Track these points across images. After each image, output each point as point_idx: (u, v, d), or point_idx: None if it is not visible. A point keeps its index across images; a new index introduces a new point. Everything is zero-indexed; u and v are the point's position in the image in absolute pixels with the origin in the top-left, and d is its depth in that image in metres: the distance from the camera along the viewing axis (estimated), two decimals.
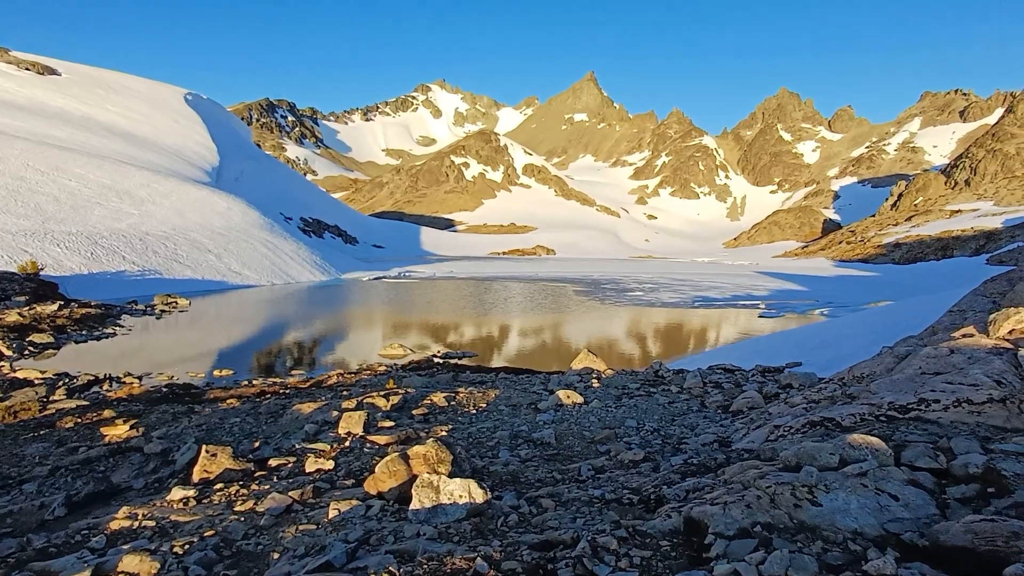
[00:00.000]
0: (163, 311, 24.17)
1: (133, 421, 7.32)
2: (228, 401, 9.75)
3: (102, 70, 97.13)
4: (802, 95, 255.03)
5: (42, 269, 26.88)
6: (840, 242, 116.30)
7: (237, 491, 3.44)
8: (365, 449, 4.44)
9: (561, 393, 6.01)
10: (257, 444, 4.72)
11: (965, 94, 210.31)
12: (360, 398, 6.35)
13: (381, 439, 4.57)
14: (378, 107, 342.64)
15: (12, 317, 17.06)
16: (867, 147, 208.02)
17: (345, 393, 7.65)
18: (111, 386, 11.60)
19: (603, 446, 4.58)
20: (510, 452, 4.38)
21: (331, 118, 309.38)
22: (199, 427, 6.06)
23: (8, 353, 13.91)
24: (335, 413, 5.81)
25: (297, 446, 4.58)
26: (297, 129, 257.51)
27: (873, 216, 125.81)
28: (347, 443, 4.62)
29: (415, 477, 3.21)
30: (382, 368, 12.89)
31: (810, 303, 34.48)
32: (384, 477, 3.20)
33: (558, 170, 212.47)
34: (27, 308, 19.42)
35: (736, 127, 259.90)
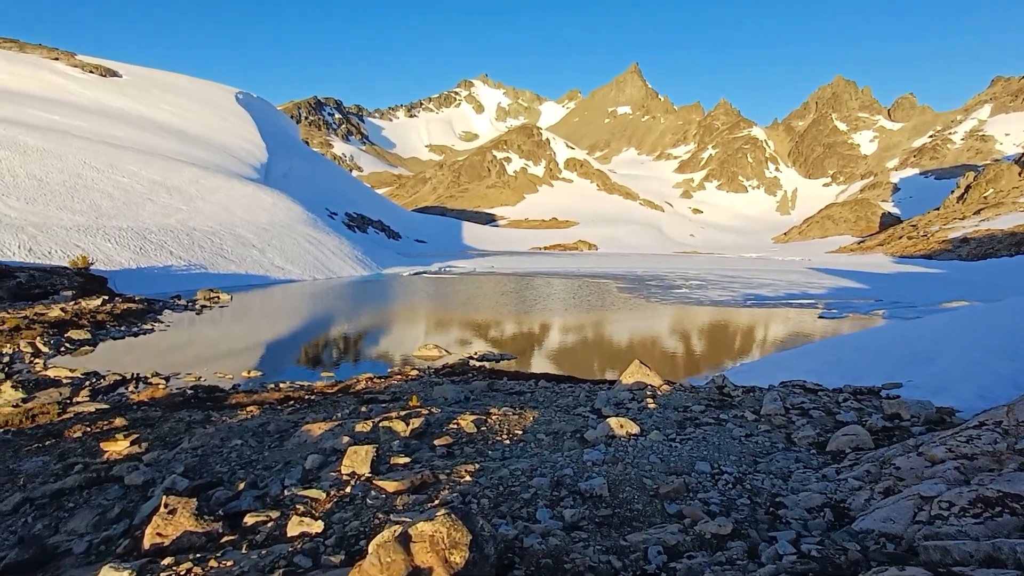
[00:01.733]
0: (204, 306, 24.24)
1: (135, 436, 6.69)
2: (248, 409, 9.13)
3: (159, 71, 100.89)
4: (859, 83, 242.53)
5: (92, 264, 27.49)
6: (900, 237, 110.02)
7: (188, 572, 2.60)
8: (368, 500, 3.53)
9: (613, 422, 4.96)
10: (241, 486, 3.89)
11: None
12: (377, 419, 5.47)
13: (390, 485, 3.65)
14: (422, 103, 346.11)
15: (55, 312, 17.18)
16: (930, 136, 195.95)
17: (364, 410, 6.81)
18: (136, 387, 11.22)
19: (672, 504, 3.53)
20: (551, 511, 3.39)
21: (376, 115, 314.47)
22: (195, 451, 5.31)
23: (45, 350, 13.83)
24: (345, 439, 4.94)
25: (287, 492, 3.71)
26: (344, 126, 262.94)
27: (937, 209, 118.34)
28: (348, 489, 3.72)
29: (417, 572, 2.26)
30: (414, 373, 12.09)
31: (873, 302, 32.04)
32: (375, 571, 2.26)
33: (601, 164, 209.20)
34: (72, 303, 19.65)
35: (787, 117, 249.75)
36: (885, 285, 43.82)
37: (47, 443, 7.25)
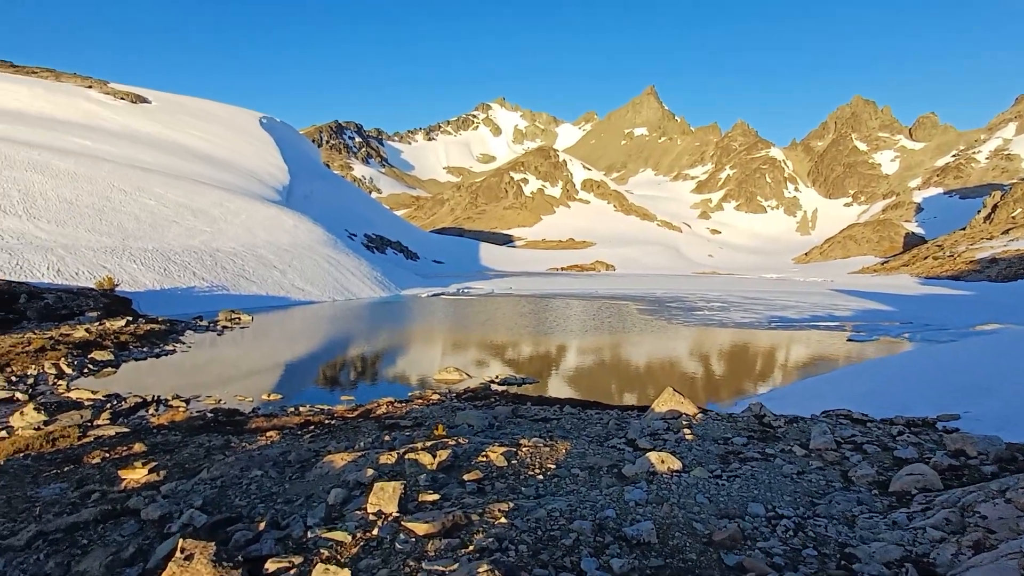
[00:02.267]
0: (225, 327, 24.36)
1: (153, 463, 6.52)
2: (268, 434, 8.94)
3: (186, 97, 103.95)
4: (879, 102, 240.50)
5: (118, 285, 27.90)
6: (925, 257, 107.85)
7: None
8: (398, 544, 3.27)
9: (653, 457, 4.64)
10: (262, 525, 3.65)
11: None
12: (402, 450, 5.21)
13: (420, 527, 3.38)
14: (440, 126, 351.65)
15: (80, 333, 17.32)
16: (954, 156, 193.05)
17: (387, 439, 6.57)
18: (157, 410, 11.13)
19: (730, 555, 3.21)
20: (597, 560, 3.09)
21: (395, 138, 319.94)
22: (214, 481, 5.10)
23: (68, 371, 13.87)
24: (370, 472, 4.69)
25: (310, 534, 3.47)
26: (363, 149, 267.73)
27: (963, 229, 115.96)
28: (375, 531, 3.46)
29: None
30: (436, 397, 11.83)
31: (903, 325, 31.14)
32: None
33: (617, 185, 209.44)
34: (97, 324, 19.84)
35: (806, 138, 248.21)
36: (913, 307, 42.73)
37: (66, 469, 7.12)
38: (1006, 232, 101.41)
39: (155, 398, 11.81)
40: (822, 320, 33.40)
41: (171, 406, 11.45)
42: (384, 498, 3.80)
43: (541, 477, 4.64)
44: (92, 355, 15.39)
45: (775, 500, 4.08)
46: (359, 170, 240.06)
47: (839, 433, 5.59)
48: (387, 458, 5.10)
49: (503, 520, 3.56)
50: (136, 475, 6.18)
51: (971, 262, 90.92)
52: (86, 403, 11.28)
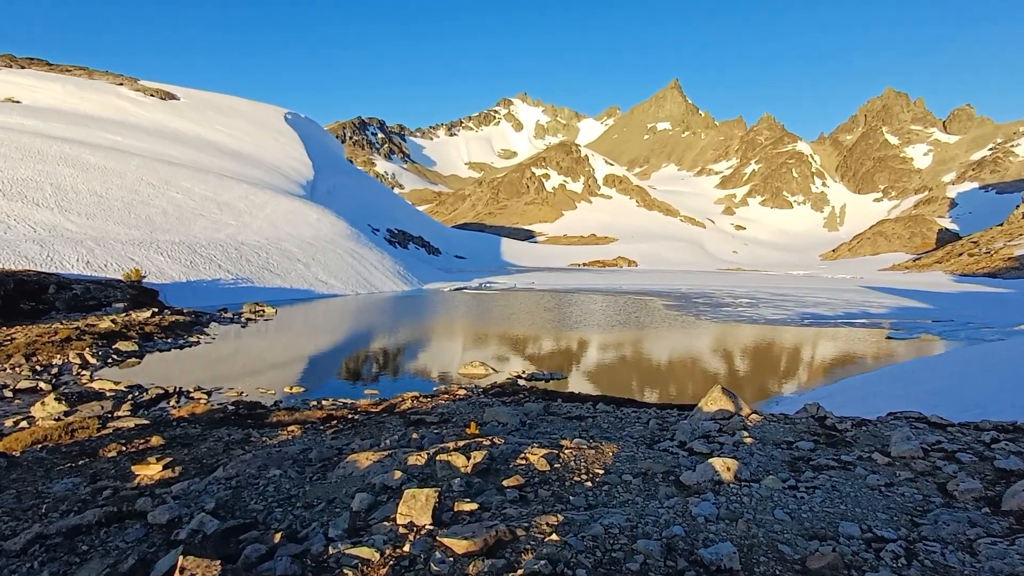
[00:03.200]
0: (249, 319, 24.30)
1: (168, 459, 6.16)
2: (289, 428, 8.58)
3: (214, 94, 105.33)
4: (911, 95, 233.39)
5: (145, 277, 28.11)
6: (960, 254, 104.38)
7: None
8: (433, 565, 2.79)
9: (717, 464, 4.08)
10: (278, 537, 3.21)
11: None
12: (432, 451, 4.74)
13: (458, 545, 2.90)
14: (462, 122, 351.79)
15: (105, 324, 17.30)
16: (991, 149, 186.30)
17: (415, 437, 6.10)
18: (178, 402, 10.88)
19: None
20: None
21: (417, 134, 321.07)
22: (229, 481, 4.69)
23: (93, 361, 13.77)
24: (398, 475, 4.22)
25: (332, 550, 3.00)
26: (386, 145, 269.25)
27: (1000, 225, 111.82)
28: (406, 547, 2.99)
29: None
30: (462, 392, 11.38)
31: (943, 323, 29.82)
32: None
33: (640, 180, 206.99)
34: (123, 315, 19.88)
35: (834, 131, 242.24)
36: (950, 304, 41.14)
37: (80, 463, 6.82)
38: None
39: (176, 390, 11.58)
40: (856, 317, 32.22)
41: (192, 398, 11.20)
42: (416, 507, 3.32)
43: (590, 484, 4.11)
44: (117, 345, 15.31)
45: (868, 518, 3.50)
46: (381, 166, 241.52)
47: (922, 439, 4.97)
48: (416, 459, 4.63)
49: (554, 537, 3.05)
50: (150, 471, 5.83)
51: (1009, 259, 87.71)
52: (108, 394, 11.10)
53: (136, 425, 8.81)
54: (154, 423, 9.09)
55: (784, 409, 9.69)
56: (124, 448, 7.31)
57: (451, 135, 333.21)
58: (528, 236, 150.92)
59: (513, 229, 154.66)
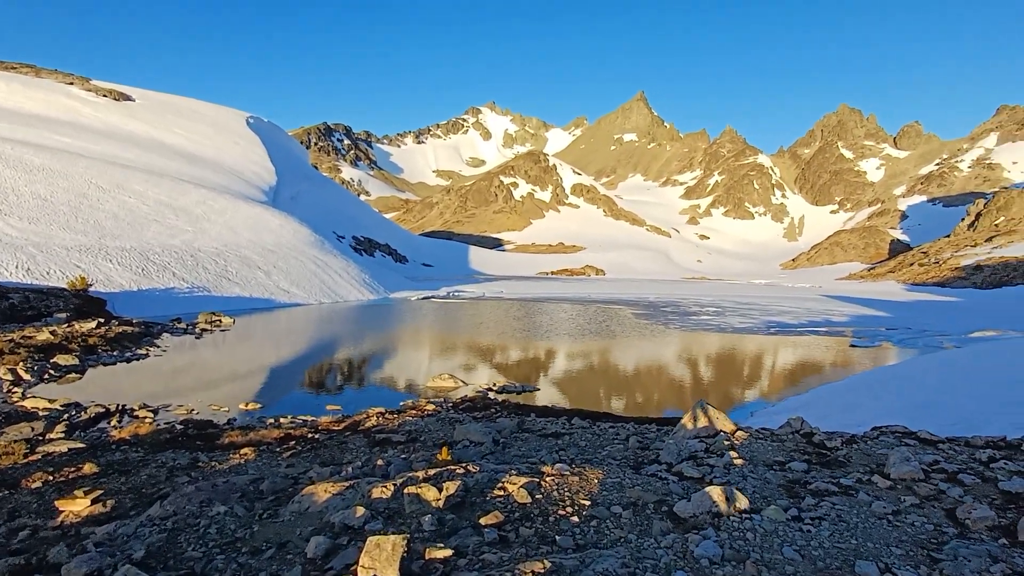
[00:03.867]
0: (205, 330, 23.13)
1: (98, 493, 5.47)
2: (242, 451, 7.90)
3: (171, 96, 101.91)
4: (864, 111, 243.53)
5: (91, 285, 26.52)
6: (911, 264, 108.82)
7: None
8: None
9: (714, 494, 3.72)
10: None
11: None
12: (399, 481, 4.25)
13: None
14: (430, 129, 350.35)
15: (43, 336, 16.08)
16: (937, 164, 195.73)
17: (380, 464, 5.58)
18: (120, 421, 10.01)
19: None
20: None
21: (385, 141, 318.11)
22: (165, 521, 4.09)
23: (26, 377, 12.67)
24: (360, 512, 3.72)
25: None
26: (352, 152, 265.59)
27: (948, 236, 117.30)
28: None
29: None
30: (430, 407, 10.84)
31: (901, 331, 30.72)
32: None
33: (607, 190, 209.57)
34: (65, 326, 18.58)
35: (793, 145, 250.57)
36: (906, 313, 42.57)
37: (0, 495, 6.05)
38: (989, 239, 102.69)
39: (119, 408, 10.68)
40: (819, 325, 32.91)
41: (136, 417, 10.34)
42: (381, 559, 2.83)
43: (576, 519, 3.69)
44: (55, 359, 14.18)
45: (883, 554, 3.18)
46: (348, 172, 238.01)
47: (920, 458, 4.74)
48: (381, 491, 4.13)
49: None
50: (76, 507, 5.14)
51: (956, 269, 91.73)
52: (40, 413, 10.14)
53: (69, 450, 7.98)
54: (91, 447, 8.26)
55: (763, 421, 9.51)
56: (52, 477, 6.54)
57: (419, 143, 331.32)
58: (496, 244, 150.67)
59: (481, 237, 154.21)
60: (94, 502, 5.22)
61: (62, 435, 9.02)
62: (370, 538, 2.96)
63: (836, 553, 3.19)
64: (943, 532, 3.48)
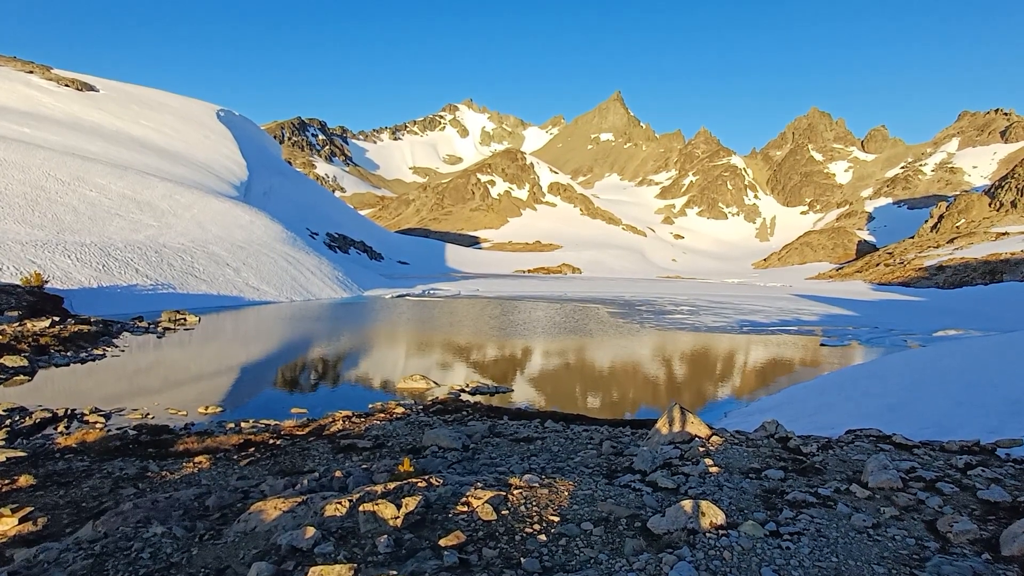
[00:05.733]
0: (168, 329, 22.31)
1: (29, 510, 5.03)
2: (196, 459, 7.47)
3: (138, 87, 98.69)
4: (834, 115, 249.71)
5: (47, 282, 25.41)
6: (878, 264, 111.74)
7: None
8: None
9: (688, 506, 3.51)
10: None
11: (1007, 114, 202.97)
12: (356, 496, 3.94)
13: None
14: (406, 126, 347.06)
15: None
16: (902, 167, 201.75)
17: (339, 475, 5.25)
18: (67, 427, 9.44)
19: None
20: None
21: (360, 137, 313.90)
22: (93, 546, 3.71)
23: None
24: (311, 532, 3.42)
25: None
26: (327, 147, 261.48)
27: (912, 238, 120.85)
28: None
29: None
30: (400, 410, 10.49)
31: (869, 330, 31.38)
32: None
33: (584, 189, 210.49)
34: (16, 324, 17.66)
35: (765, 147, 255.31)
36: (872, 312, 43.59)
37: None
38: (951, 241, 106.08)
39: (68, 412, 10.09)
40: (791, 324, 33.40)
41: (86, 422, 9.77)
42: None
43: (544, 538, 3.45)
44: (2, 360, 13.40)
45: (865, 572, 3.01)
46: (322, 168, 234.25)
47: (896, 465, 4.63)
48: (336, 508, 3.82)
49: None
50: (2, 526, 4.70)
51: (920, 269, 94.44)
52: None
53: (7, 459, 7.44)
54: (32, 455, 7.72)
55: (737, 422, 9.44)
56: None
57: (395, 139, 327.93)
58: (473, 242, 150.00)
59: (458, 235, 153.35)
60: (23, 520, 4.79)
61: (2, 443, 8.45)
62: (312, 569, 2.67)
63: (817, 573, 3.01)
64: (925, 547, 3.33)
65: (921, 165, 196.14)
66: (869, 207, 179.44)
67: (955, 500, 3.99)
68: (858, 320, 37.47)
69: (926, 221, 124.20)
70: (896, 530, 3.52)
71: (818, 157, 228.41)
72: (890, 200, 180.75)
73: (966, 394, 7.74)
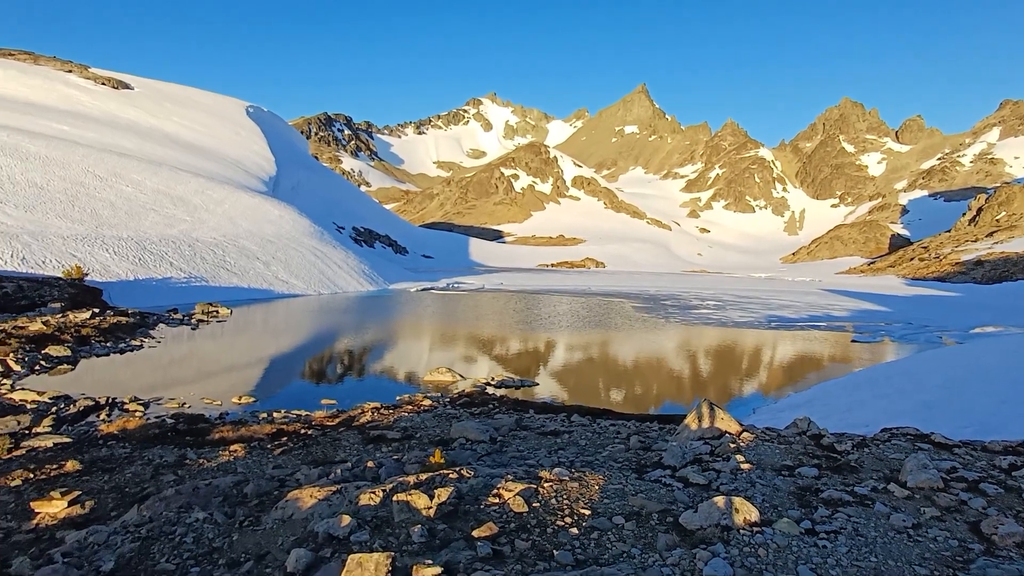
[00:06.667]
0: (201, 321, 22.91)
1: (77, 494, 5.25)
2: (232, 448, 7.68)
3: (171, 84, 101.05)
4: (867, 105, 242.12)
5: (87, 275, 26.29)
6: (912, 259, 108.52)
7: None
8: None
9: (722, 503, 3.49)
10: None
11: None
12: (389, 486, 4.02)
13: None
14: (430, 120, 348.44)
15: (36, 326, 15.84)
16: (939, 159, 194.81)
17: (371, 465, 5.35)
18: (109, 415, 9.79)
19: None
20: None
21: (385, 131, 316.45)
22: (139, 529, 3.87)
23: (16, 368, 12.45)
24: (346, 520, 3.49)
25: None
26: (353, 142, 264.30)
27: (948, 231, 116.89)
28: None
29: None
30: (427, 402, 10.62)
31: (902, 326, 30.51)
32: None
33: (608, 182, 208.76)
34: (59, 316, 18.34)
35: (795, 139, 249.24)
36: (907, 308, 42.37)
37: None
38: (990, 235, 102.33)
39: (109, 401, 10.46)
40: (820, 320, 32.71)
41: (126, 410, 10.12)
42: None
43: (576, 531, 3.47)
44: (47, 350, 13.95)
45: (906, 573, 2.96)
46: (348, 163, 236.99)
47: (936, 464, 4.52)
48: (370, 498, 3.90)
49: None
50: (52, 508, 4.92)
51: (956, 264, 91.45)
52: (28, 406, 9.92)
53: (54, 444, 7.76)
54: (77, 442, 8.03)
55: (766, 419, 9.30)
56: (32, 475, 6.32)
57: (420, 133, 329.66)
58: (497, 236, 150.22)
59: (482, 229, 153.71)
60: (72, 503, 5.00)
61: (49, 429, 8.81)
62: (351, 556, 2.74)
63: (855, 573, 2.97)
64: (968, 548, 3.25)
65: (959, 156, 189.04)
66: (903, 200, 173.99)
67: (1000, 502, 3.88)
68: (891, 316, 36.47)
69: (964, 214, 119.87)
70: (938, 531, 3.44)
71: (850, 148, 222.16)
72: (925, 192, 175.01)
73: (1010, 392, 7.48)
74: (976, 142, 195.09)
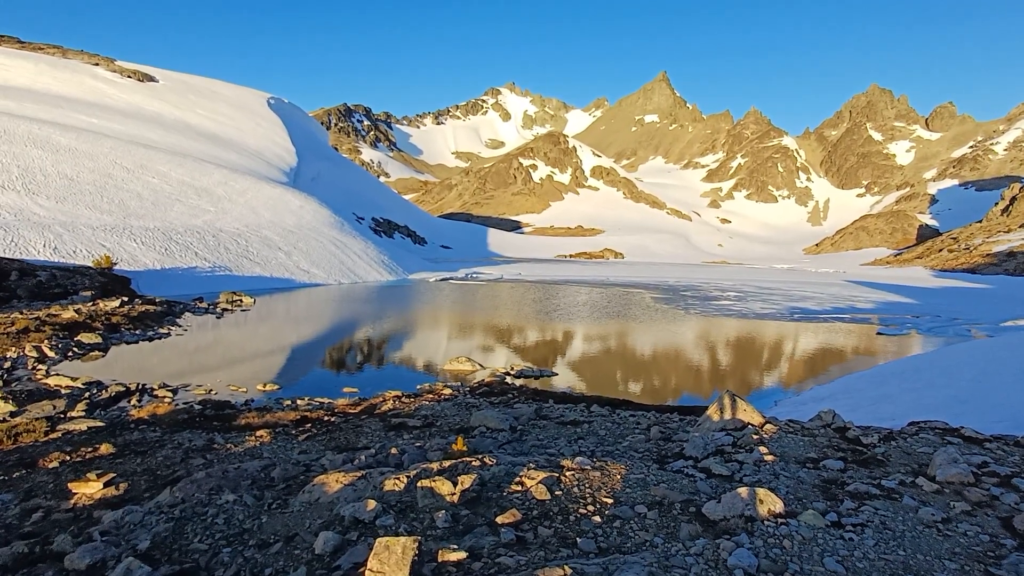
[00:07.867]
0: (226, 309, 23.36)
1: (111, 476, 5.42)
2: (258, 433, 7.86)
3: (194, 76, 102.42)
4: (896, 91, 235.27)
5: (116, 264, 26.95)
6: (940, 250, 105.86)
7: None
8: None
9: (746, 494, 3.47)
10: None
11: None
12: (413, 473, 4.08)
13: None
14: (449, 111, 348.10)
15: (68, 314, 16.31)
16: (971, 147, 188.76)
17: (394, 452, 5.43)
18: (139, 401, 10.07)
19: None
20: None
21: (404, 122, 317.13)
22: (172, 510, 3.99)
23: (51, 355, 12.85)
24: (372, 505, 3.56)
25: None
26: (372, 133, 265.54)
27: (979, 222, 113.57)
28: None
29: None
30: (447, 391, 10.71)
31: (930, 319, 29.79)
32: None
33: (627, 172, 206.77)
34: (89, 304, 18.85)
35: (820, 127, 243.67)
36: (935, 300, 41.32)
37: (16, 475, 6.05)
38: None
39: (139, 387, 10.76)
40: (844, 312, 32.10)
41: (156, 396, 10.40)
42: (390, 562, 2.66)
43: (598, 519, 3.48)
44: (79, 337, 14.37)
45: (935, 568, 2.92)
46: (367, 154, 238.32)
47: (967, 459, 4.43)
48: (394, 483, 3.97)
49: None
50: (89, 489, 5.10)
51: (988, 255, 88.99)
52: (63, 391, 10.25)
53: (88, 428, 8.01)
54: (109, 426, 8.29)
55: (788, 411, 9.19)
56: (68, 457, 6.55)
57: (438, 124, 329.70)
58: (515, 227, 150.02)
59: (500, 219, 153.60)
60: (107, 484, 5.17)
61: (83, 413, 9.11)
62: (379, 539, 2.79)
63: (883, 566, 2.94)
64: (1000, 544, 3.19)
65: (992, 144, 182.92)
66: (932, 189, 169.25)
67: None
68: (918, 308, 35.63)
69: (996, 204, 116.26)
70: (968, 526, 3.39)
71: (877, 136, 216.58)
72: (956, 181, 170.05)
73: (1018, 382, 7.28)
74: (1011, 129, 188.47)
